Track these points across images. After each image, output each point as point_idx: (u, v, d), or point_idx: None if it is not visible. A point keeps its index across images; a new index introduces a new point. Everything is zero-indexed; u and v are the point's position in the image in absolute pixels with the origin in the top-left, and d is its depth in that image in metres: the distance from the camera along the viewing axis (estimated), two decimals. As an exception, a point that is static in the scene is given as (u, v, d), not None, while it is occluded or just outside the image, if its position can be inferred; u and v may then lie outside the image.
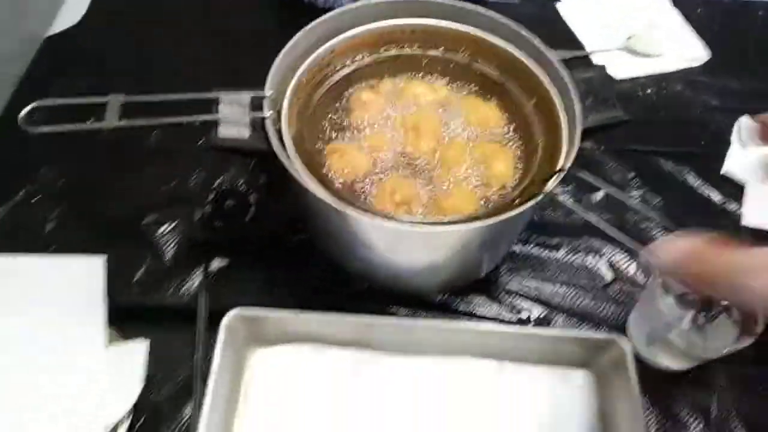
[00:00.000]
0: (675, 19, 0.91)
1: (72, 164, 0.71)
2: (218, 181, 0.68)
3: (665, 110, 0.81)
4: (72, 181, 0.70)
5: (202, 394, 0.52)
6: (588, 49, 0.86)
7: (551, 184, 0.48)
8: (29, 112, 0.49)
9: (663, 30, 0.89)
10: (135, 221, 0.66)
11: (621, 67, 0.85)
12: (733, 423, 0.58)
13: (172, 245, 0.65)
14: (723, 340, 0.54)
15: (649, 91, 0.83)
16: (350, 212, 0.45)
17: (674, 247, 0.37)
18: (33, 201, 0.68)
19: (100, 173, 0.71)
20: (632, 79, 0.84)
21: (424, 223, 0.47)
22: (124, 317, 0.58)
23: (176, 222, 0.66)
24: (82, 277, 0.54)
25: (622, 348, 0.54)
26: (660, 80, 0.84)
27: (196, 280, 0.63)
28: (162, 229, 0.66)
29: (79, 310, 0.54)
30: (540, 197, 0.47)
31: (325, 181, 0.49)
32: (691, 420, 0.58)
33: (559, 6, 0.92)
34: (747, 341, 0.52)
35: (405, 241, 0.49)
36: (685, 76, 0.85)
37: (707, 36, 0.89)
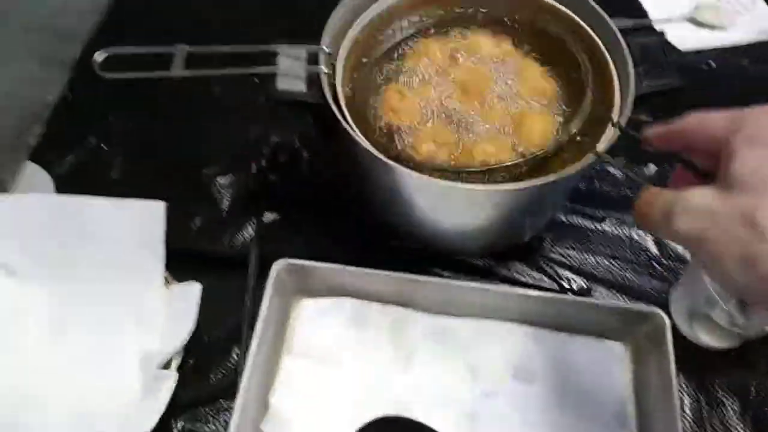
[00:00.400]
0: (747, -11, 0.87)
1: (139, 113, 0.75)
2: (275, 136, 0.71)
3: (726, 85, 0.78)
4: (138, 130, 0.74)
5: (249, 339, 0.56)
6: (651, 17, 0.84)
7: (605, 141, 0.48)
8: (104, 60, 0.52)
9: (732, 0, 0.85)
10: (195, 171, 0.70)
11: (685, 38, 0.82)
12: (773, 406, 0.57)
13: (228, 196, 0.68)
14: (765, 318, 0.53)
15: (712, 63, 0.80)
16: (396, 166, 0.47)
17: (641, 195, 0.37)
18: (102, 147, 0.72)
19: (164, 123, 0.74)
20: (697, 52, 0.81)
21: (468, 178, 0.48)
22: (179, 262, 0.61)
23: (233, 174, 0.69)
24: (143, 220, 0.57)
25: (660, 321, 0.55)
26: (726, 53, 0.81)
27: (249, 230, 0.66)
28: (220, 180, 0.69)
29: (139, 252, 0.58)
30: (591, 158, 0.47)
31: (375, 138, 0.51)
32: (728, 400, 0.58)
33: (624, -28, 0.89)
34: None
35: (448, 198, 0.50)
36: (751, 50, 0.82)
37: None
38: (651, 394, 0.55)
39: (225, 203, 0.68)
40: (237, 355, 0.59)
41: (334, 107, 0.49)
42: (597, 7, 0.55)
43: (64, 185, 0.68)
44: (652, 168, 0.71)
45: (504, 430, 0.55)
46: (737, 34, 0.83)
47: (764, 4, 0.85)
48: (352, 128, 0.49)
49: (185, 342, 0.55)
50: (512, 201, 0.50)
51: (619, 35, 0.53)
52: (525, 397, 0.56)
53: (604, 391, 0.57)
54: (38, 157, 0.71)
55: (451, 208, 0.52)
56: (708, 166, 0.37)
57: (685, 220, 0.33)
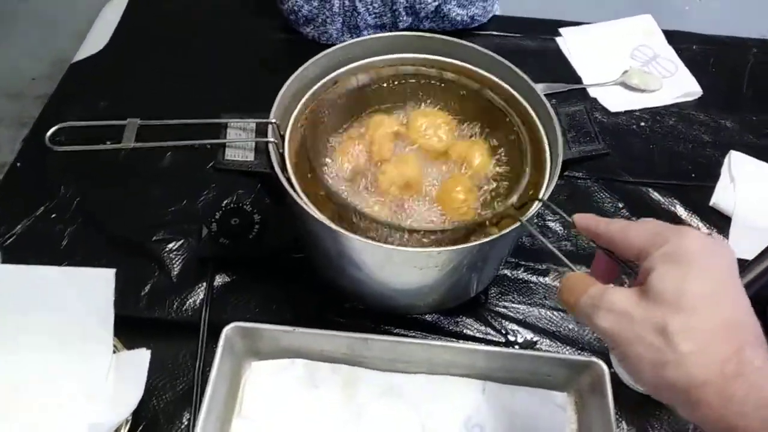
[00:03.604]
0: (670, 55, 0.94)
1: (88, 185, 0.76)
2: (226, 201, 0.72)
3: (657, 143, 0.84)
4: (88, 200, 0.74)
5: (200, 402, 0.56)
6: (585, 82, 0.90)
7: (528, 214, 0.51)
8: (54, 132, 0.53)
9: (657, 66, 0.92)
10: (145, 238, 0.71)
11: (616, 101, 0.88)
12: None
13: (179, 261, 0.69)
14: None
15: (642, 124, 0.86)
16: (342, 232, 0.49)
17: (563, 281, 0.41)
18: (51, 217, 0.72)
19: (115, 193, 0.75)
20: (627, 112, 0.87)
21: (411, 238, 0.51)
22: (129, 329, 0.61)
23: (184, 240, 0.70)
24: (92, 289, 0.57)
25: (600, 369, 0.57)
26: (654, 114, 0.88)
27: (200, 294, 0.67)
28: (171, 245, 0.70)
29: (88, 320, 0.58)
30: (516, 225, 0.50)
31: (321, 205, 0.53)
32: (670, 442, 0.60)
33: (559, 40, 0.96)
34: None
35: (393, 260, 0.52)
36: (678, 110, 0.88)
37: (701, 72, 0.92)
38: (594, 441, 0.57)
39: (175, 269, 0.69)
40: (188, 420, 0.59)
41: (281, 176, 0.52)
42: (529, 80, 0.59)
43: (12, 255, 0.69)
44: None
45: (456, 485, 0.56)
46: (664, 96, 0.89)
47: (686, 68, 0.92)
48: (299, 195, 0.51)
49: (134, 409, 0.55)
50: (452, 260, 0.52)
51: (549, 106, 0.57)
52: (475, 450, 0.57)
53: (551, 441, 0.58)
54: (-14, 228, 0.71)
55: (398, 269, 0.55)
56: (625, 259, 0.41)
57: (607, 318, 0.36)
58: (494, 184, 0.59)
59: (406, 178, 0.57)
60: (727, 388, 0.32)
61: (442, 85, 0.62)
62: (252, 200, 0.72)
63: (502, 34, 0.95)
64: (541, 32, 0.97)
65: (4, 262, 0.67)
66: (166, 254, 0.69)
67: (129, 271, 0.66)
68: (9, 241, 0.70)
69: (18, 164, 0.77)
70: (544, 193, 0.53)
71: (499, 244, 0.53)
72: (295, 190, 0.52)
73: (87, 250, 0.70)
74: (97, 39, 0.91)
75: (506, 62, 0.60)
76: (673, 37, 0.97)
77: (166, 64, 0.90)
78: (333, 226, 0.49)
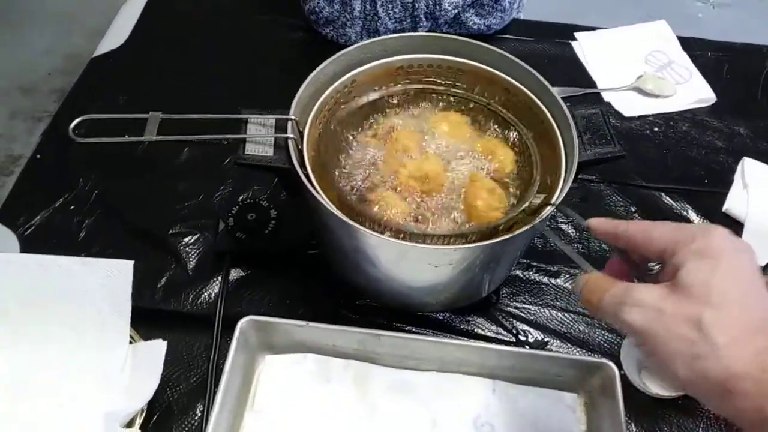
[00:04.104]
0: (684, 61, 0.94)
1: (107, 178, 0.77)
2: (242, 196, 0.73)
3: (671, 149, 0.85)
4: (106, 193, 0.75)
5: (214, 395, 0.57)
6: (599, 86, 0.90)
7: (542, 216, 0.52)
8: (77, 125, 0.54)
9: (672, 72, 0.93)
10: (162, 232, 0.72)
11: (630, 106, 0.89)
12: (720, 451, 0.60)
13: (195, 255, 0.70)
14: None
15: (656, 129, 0.87)
16: (359, 228, 0.49)
17: (582, 280, 0.42)
18: (70, 209, 0.73)
19: (133, 187, 0.76)
20: (641, 117, 0.88)
21: (425, 238, 0.51)
22: (146, 321, 0.62)
23: (201, 234, 0.71)
24: (110, 279, 0.58)
25: (610, 372, 0.57)
26: (668, 120, 0.88)
27: (215, 288, 0.67)
28: (187, 239, 0.71)
29: (106, 310, 0.59)
30: (529, 226, 0.51)
31: (338, 200, 0.54)
32: (678, 446, 0.60)
33: (574, 44, 0.96)
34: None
35: (409, 257, 0.53)
36: (692, 116, 0.89)
37: (716, 79, 0.92)
38: (603, 443, 0.57)
39: (191, 262, 0.70)
40: (201, 412, 0.60)
41: (300, 171, 0.52)
42: (546, 83, 0.60)
43: (31, 245, 0.70)
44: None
45: (465, 481, 0.56)
46: (678, 101, 0.89)
47: (700, 75, 0.92)
48: (317, 191, 0.52)
49: (149, 400, 0.56)
50: (465, 259, 0.53)
51: (565, 108, 0.58)
52: (484, 449, 0.58)
53: (560, 441, 0.59)
54: (4, 216, 0.72)
55: (412, 266, 0.55)
56: (639, 260, 0.42)
57: (635, 314, 0.37)
58: (514, 186, 0.60)
59: (426, 173, 0.58)
60: (765, 379, 0.33)
61: (453, 92, 0.64)
62: (268, 196, 0.73)
63: (518, 38, 0.96)
64: (557, 36, 0.98)
65: (23, 252, 0.68)
66: (182, 248, 0.70)
67: (146, 264, 0.66)
68: (28, 232, 0.71)
69: (38, 156, 0.78)
70: (558, 195, 0.54)
71: (513, 243, 0.53)
72: (313, 186, 0.52)
73: (104, 243, 0.71)
74: (117, 35, 0.93)
75: (524, 65, 0.61)
76: (687, 44, 0.98)
77: (185, 61, 0.91)
78: (350, 221, 0.50)
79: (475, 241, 0.51)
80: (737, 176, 0.81)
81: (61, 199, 0.74)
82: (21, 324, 0.58)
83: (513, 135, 0.62)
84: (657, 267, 0.42)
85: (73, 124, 0.55)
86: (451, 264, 0.52)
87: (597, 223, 0.44)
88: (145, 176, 0.77)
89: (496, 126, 0.63)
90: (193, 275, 0.69)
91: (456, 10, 0.89)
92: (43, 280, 0.59)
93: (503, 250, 0.56)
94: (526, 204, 0.55)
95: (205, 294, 0.67)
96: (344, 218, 0.50)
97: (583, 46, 0.96)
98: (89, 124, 0.55)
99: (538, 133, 0.60)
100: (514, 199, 0.59)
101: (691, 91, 0.91)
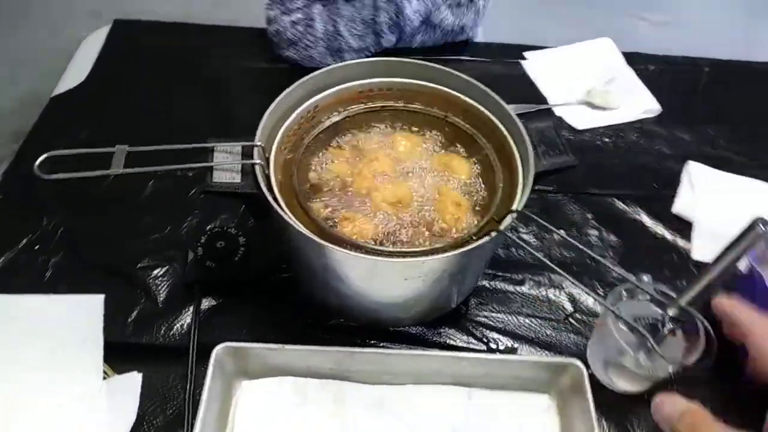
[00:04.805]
0: (629, 75, 1.00)
1: (71, 215, 0.76)
2: (210, 226, 0.74)
3: (621, 157, 0.89)
4: (71, 231, 0.75)
5: (192, 425, 0.57)
6: (550, 102, 0.94)
7: (505, 223, 0.54)
8: (42, 162, 0.54)
9: (618, 85, 0.98)
10: (130, 266, 0.71)
11: (581, 119, 0.93)
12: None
13: (165, 287, 0.70)
14: (668, 361, 0.59)
15: (606, 140, 0.91)
16: (327, 245, 0.51)
17: (673, 410, 0.43)
18: (35, 249, 0.73)
19: (98, 223, 0.76)
20: (591, 129, 0.92)
21: (393, 254, 0.53)
22: (118, 355, 0.62)
23: (170, 265, 0.72)
24: (81, 315, 0.59)
25: (578, 371, 0.60)
26: (617, 130, 0.92)
27: (187, 318, 0.68)
28: (156, 272, 0.71)
29: (78, 346, 0.59)
30: (494, 234, 0.53)
31: (306, 221, 0.55)
32: (648, 439, 0.63)
33: (524, 63, 1.01)
34: (690, 359, 0.57)
35: (378, 273, 0.55)
36: (640, 126, 0.94)
37: (659, 90, 0.98)
38: (577, 441, 0.59)
39: (161, 294, 0.70)
40: (180, 443, 0.60)
41: (269, 195, 0.54)
42: (501, 100, 0.63)
43: (-2, 287, 0.69)
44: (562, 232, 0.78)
45: (447, 491, 0.57)
46: (625, 113, 0.94)
47: (645, 88, 0.98)
48: (286, 213, 0.53)
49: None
50: (435, 270, 0.55)
51: (519, 123, 0.61)
52: (464, 455, 0.59)
53: (536, 443, 0.60)
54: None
55: (383, 282, 0.57)
56: None
57: None
58: (479, 198, 0.62)
59: (399, 198, 0.60)
60: None
61: (414, 113, 0.66)
62: (236, 224, 0.74)
63: (472, 59, 1.00)
64: (508, 56, 1.02)
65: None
66: (151, 280, 0.70)
67: (115, 299, 0.66)
68: (-8, 274, 0.70)
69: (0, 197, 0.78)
70: (519, 203, 0.56)
71: (480, 252, 0.55)
72: (281, 208, 0.54)
73: (71, 281, 0.70)
74: (77, 72, 0.93)
75: (479, 85, 0.64)
76: (631, 59, 1.03)
77: (147, 96, 0.92)
78: (320, 240, 0.51)
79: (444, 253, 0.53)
80: (684, 179, 0.85)
81: (25, 240, 0.73)
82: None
83: (474, 148, 0.65)
84: None
85: (38, 162, 0.55)
86: (421, 276, 0.54)
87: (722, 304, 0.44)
88: (111, 212, 0.77)
89: (457, 141, 0.66)
90: (164, 307, 0.69)
91: (421, 18, 0.92)
92: (11, 320, 0.58)
93: (471, 260, 0.58)
94: (490, 214, 0.57)
95: (177, 325, 0.67)
96: (313, 237, 0.52)
97: (533, 64, 1.00)
98: (53, 162, 0.55)
99: (495, 147, 0.63)
100: (480, 211, 0.61)
101: (637, 103, 0.96)
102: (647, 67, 1.02)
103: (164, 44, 1.01)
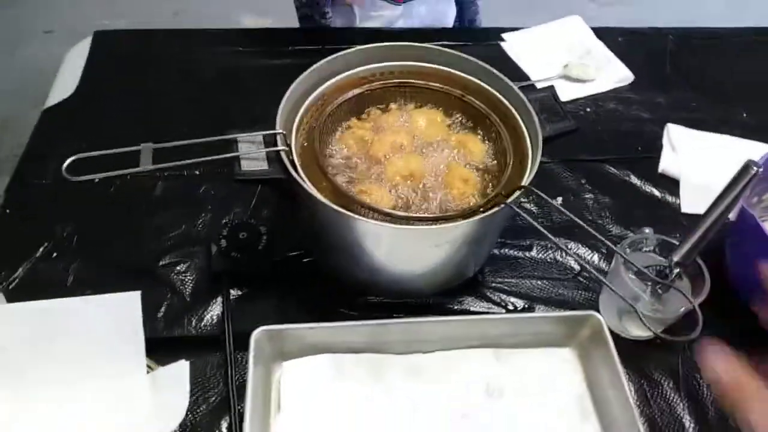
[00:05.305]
0: (600, 48, 1.05)
1: (85, 222, 0.77)
2: (225, 220, 0.75)
3: (603, 124, 0.94)
4: (86, 237, 0.75)
5: (237, 408, 0.60)
6: (532, 78, 0.99)
7: (530, 176, 0.58)
8: (69, 165, 0.55)
9: (592, 58, 1.03)
10: (152, 265, 0.73)
11: (562, 92, 0.97)
12: (697, 378, 0.67)
13: (190, 282, 0.71)
14: (678, 303, 0.64)
15: (588, 109, 0.96)
16: (362, 219, 0.54)
17: (717, 365, 0.41)
18: (53, 257, 0.73)
19: (112, 227, 0.77)
20: (573, 101, 0.97)
21: (423, 220, 0.56)
22: (153, 351, 0.63)
23: (191, 261, 0.73)
24: (119, 313, 0.60)
25: (597, 321, 0.64)
26: (596, 100, 0.97)
27: (216, 310, 0.69)
28: (179, 268, 0.72)
29: (120, 344, 0.60)
30: (517, 194, 0.57)
31: (334, 201, 0.58)
32: (663, 379, 0.67)
33: (503, 45, 1.05)
34: (698, 300, 0.61)
35: (406, 241, 0.58)
36: (616, 95, 0.99)
37: (630, 60, 1.03)
38: (602, 385, 0.63)
39: (187, 289, 0.71)
40: (227, 429, 0.61)
41: (298, 178, 0.56)
42: (506, 79, 0.67)
43: (19, 298, 0.68)
44: (559, 200, 0.83)
45: (486, 443, 0.61)
46: (602, 83, 0.99)
47: (617, 59, 1.03)
48: (317, 193, 0.56)
49: (182, 419, 0.57)
50: (462, 236, 0.58)
51: (522, 95, 0.64)
52: (500, 410, 0.63)
53: (564, 392, 0.64)
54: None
55: (414, 250, 0.60)
56: None
57: None
58: (489, 174, 0.66)
59: (411, 171, 0.63)
60: None
61: (429, 90, 0.69)
62: (250, 216, 0.76)
63: (454, 43, 1.04)
64: (487, 40, 1.06)
65: (11, 304, 0.68)
66: (175, 276, 0.72)
67: (142, 298, 0.67)
68: (12, 285, 0.70)
69: (7, 210, 0.78)
70: (531, 168, 0.60)
71: (500, 218, 0.59)
72: (312, 189, 0.56)
73: (95, 284, 0.70)
74: (65, 84, 0.93)
75: (478, 62, 0.68)
76: (599, 33, 1.08)
77: (139, 100, 0.93)
78: (353, 214, 0.54)
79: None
80: (665, 141, 0.91)
81: (41, 249, 0.74)
82: (37, 371, 0.58)
83: (485, 123, 0.68)
84: None
85: (65, 164, 0.57)
86: (449, 242, 0.57)
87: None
88: (123, 215, 0.78)
89: (468, 118, 0.69)
90: (191, 301, 0.70)
91: None
92: (50, 325, 0.59)
93: (491, 226, 0.61)
94: (502, 183, 0.61)
95: (207, 317, 0.69)
96: (348, 213, 0.54)
97: (512, 45, 1.05)
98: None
99: (502, 120, 0.67)
100: (491, 184, 0.65)
101: (611, 72, 1.01)
102: (615, 38, 1.08)
103: (149, 50, 1.01)
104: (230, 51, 1.01)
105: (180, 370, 0.59)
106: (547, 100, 0.67)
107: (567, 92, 0.97)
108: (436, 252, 0.59)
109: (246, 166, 0.58)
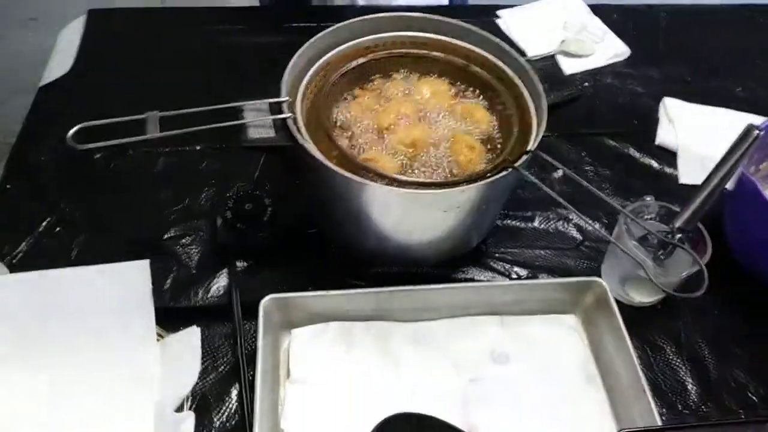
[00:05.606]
0: (596, 24, 1.05)
1: (87, 197, 0.77)
2: (229, 192, 0.75)
3: (601, 99, 0.95)
4: (89, 212, 0.75)
5: (247, 375, 0.60)
6: (530, 54, 0.99)
7: (523, 159, 0.58)
8: (75, 133, 0.55)
9: (589, 34, 1.03)
10: (157, 238, 0.73)
11: (560, 66, 0.98)
12: (699, 342, 0.69)
13: (195, 254, 0.72)
14: (681, 268, 0.65)
15: (586, 84, 0.96)
16: (372, 183, 0.54)
17: None
18: (56, 231, 0.73)
19: (116, 201, 0.77)
20: (570, 75, 0.97)
21: (431, 185, 0.57)
22: (161, 320, 0.63)
23: (196, 234, 0.73)
24: (129, 281, 0.59)
25: (601, 287, 0.65)
26: (594, 74, 0.98)
27: (222, 281, 0.69)
28: (184, 241, 0.73)
29: (130, 312, 0.60)
30: (525, 158, 0.57)
31: (343, 166, 0.58)
32: (666, 344, 0.68)
33: (499, 21, 1.05)
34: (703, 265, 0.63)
35: (413, 206, 0.58)
36: (612, 69, 1.00)
37: (625, 36, 1.04)
38: (607, 350, 0.64)
39: (193, 261, 0.71)
40: (237, 396, 0.62)
41: (306, 145, 0.56)
42: (508, 48, 0.67)
43: (24, 271, 0.68)
44: (559, 172, 0.83)
45: (492, 407, 0.61)
46: (598, 58, 1.00)
47: (613, 34, 1.04)
48: (324, 159, 0.56)
49: (194, 383, 0.58)
50: (469, 201, 0.58)
51: (525, 63, 0.65)
52: (505, 375, 0.63)
53: (568, 357, 0.65)
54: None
55: (422, 215, 0.60)
56: None
57: None
58: (493, 142, 0.66)
59: (413, 140, 0.63)
60: None
61: (433, 60, 0.70)
62: (253, 190, 0.76)
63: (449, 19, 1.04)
64: (481, 16, 1.06)
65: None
66: (180, 249, 0.72)
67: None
68: (16, 260, 0.70)
69: (8, 186, 0.77)
70: (533, 143, 0.61)
71: (506, 182, 0.59)
72: (320, 156, 0.56)
73: (99, 256, 0.69)
74: (61, 61, 0.92)
75: (482, 31, 0.68)
76: (595, 10, 1.09)
77: (136, 76, 0.92)
78: (362, 180, 0.54)
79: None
80: (661, 113, 0.92)
81: (44, 223, 0.73)
82: (47, 339, 0.58)
83: (489, 93, 0.69)
84: None
85: (70, 133, 0.57)
86: (457, 207, 0.58)
87: None
88: (125, 191, 0.78)
89: (472, 87, 0.69)
90: (197, 273, 0.70)
91: None
92: (59, 294, 0.59)
93: (499, 190, 0.62)
94: (508, 149, 0.62)
95: (213, 287, 0.69)
96: (356, 178, 0.55)
97: (507, 21, 1.05)
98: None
99: (506, 89, 0.67)
100: (497, 151, 0.65)
101: (607, 48, 1.02)
102: (611, 14, 1.09)
103: (144, 28, 1.01)
104: (227, 29, 1.00)
105: (191, 336, 0.60)
106: (549, 69, 0.67)
107: (565, 67, 0.98)
108: (443, 218, 0.59)
109: (253, 133, 0.58)
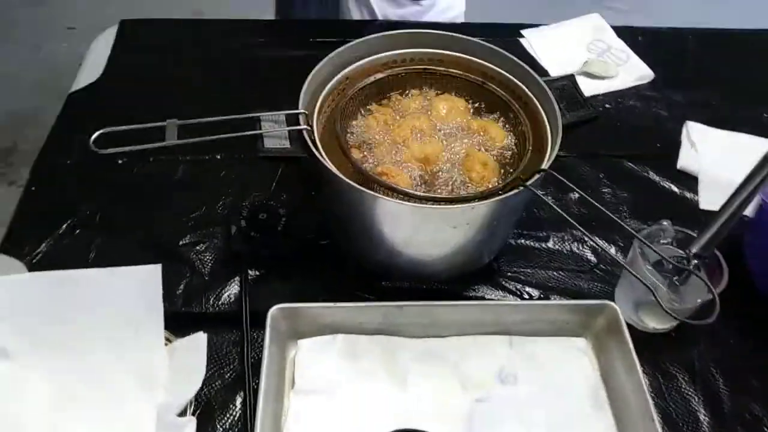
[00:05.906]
0: (621, 46, 1.05)
1: (107, 201, 0.78)
2: (245, 202, 0.76)
3: (623, 121, 0.94)
4: (109, 215, 0.77)
5: (252, 384, 0.60)
6: (552, 74, 0.99)
7: (550, 160, 0.58)
8: (97, 138, 0.57)
9: (612, 56, 1.03)
10: (172, 244, 0.74)
11: (582, 88, 0.97)
12: (713, 371, 0.67)
13: (209, 261, 0.73)
14: (696, 294, 0.63)
15: (608, 106, 0.96)
16: (383, 197, 0.54)
17: None
18: (76, 233, 0.75)
19: (135, 207, 0.78)
20: (593, 97, 0.96)
21: (441, 201, 0.57)
22: (171, 325, 0.64)
23: (210, 241, 0.74)
24: (140, 285, 0.60)
25: (613, 311, 0.64)
26: (616, 97, 0.97)
27: (234, 289, 0.70)
28: (198, 247, 0.74)
29: (140, 315, 0.60)
30: (537, 176, 0.57)
31: (356, 180, 0.58)
32: (678, 372, 0.67)
33: (522, 41, 1.05)
34: (717, 290, 0.61)
35: (429, 220, 0.58)
36: (636, 92, 0.99)
37: (650, 58, 1.03)
38: (617, 376, 0.63)
39: (206, 268, 0.72)
40: (241, 404, 0.62)
41: (320, 157, 0.57)
42: (526, 66, 0.68)
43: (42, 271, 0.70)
44: (575, 195, 0.83)
45: (498, 428, 0.61)
46: (622, 81, 0.99)
47: (636, 57, 1.03)
48: (337, 172, 0.56)
49: (198, 389, 0.58)
50: (480, 217, 0.58)
51: (543, 83, 0.65)
52: (512, 396, 0.63)
53: (577, 381, 0.64)
54: (8, 249, 0.72)
55: (433, 230, 0.60)
56: None
57: None
58: (509, 159, 0.66)
59: (426, 155, 0.63)
60: None
61: (450, 77, 0.70)
62: (269, 198, 0.77)
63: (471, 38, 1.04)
64: (505, 35, 1.06)
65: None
66: (194, 255, 0.73)
67: (162, 274, 0.68)
68: (36, 259, 0.72)
69: (32, 188, 0.79)
70: (551, 153, 0.60)
71: (518, 200, 0.59)
72: (334, 169, 0.57)
73: (115, 260, 0.70)
74: (92, 69, 0.95)
75: (500, 50, 0.68)
76: (620, 32, 1.08)
77: (164, 85, 0.94)
78: (374, 193, 0.55)
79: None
80: (684, 138, 0.91)
81: (64, 225, 0.75)
82: (55, 343, 0.59)
83: (506, 111, 0.69)
84: None
85: (93, 138, 0.58)
86: (468, 223, 0.58)
87: None
88: (145, 196, 0.79)
89: (488, 105, 0.69)
90: (210, 279, 0.71)
91: None
92: (72, 294, 0.60)
93: (510, 208, 0.62)
94: (521, 167, 0.61)
95: (225, 295, 0.70)
96: (368, 192, 0.55)
97: (531, 41, 1.05)
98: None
99: (522, 108, 0.67)
100: (511, 169, 0.65)
101: (631, 70, 1.01)
102: (636, 38, 1.08)
103: (172, 39, 1.03)
104: (251, 42, 1.02)
105: (197, 341, 0.60)
106: (567, 89, 0.67)
107: (587, 88, 0.97)
108: (454, 234, 0.59)
109: (269, 143, 0.58)
